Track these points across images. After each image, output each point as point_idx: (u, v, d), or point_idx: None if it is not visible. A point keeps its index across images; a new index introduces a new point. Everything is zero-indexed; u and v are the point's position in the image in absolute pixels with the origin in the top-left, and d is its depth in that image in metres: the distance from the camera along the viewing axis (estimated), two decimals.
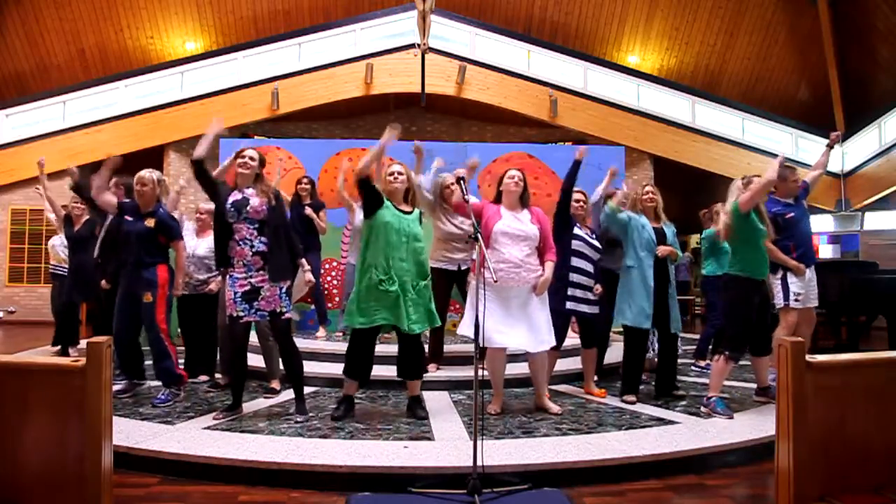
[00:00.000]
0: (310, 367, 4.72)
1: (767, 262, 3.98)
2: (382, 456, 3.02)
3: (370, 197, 3.67)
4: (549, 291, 3.94)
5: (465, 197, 3.41)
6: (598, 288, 4.37)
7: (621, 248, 4.33)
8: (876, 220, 10.97)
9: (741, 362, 5.12)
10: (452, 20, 10.72)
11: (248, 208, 3.61)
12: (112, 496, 2.19)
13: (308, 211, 5.59)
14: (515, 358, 4.06)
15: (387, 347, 4.30)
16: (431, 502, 2.68)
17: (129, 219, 4.16)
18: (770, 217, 4.11)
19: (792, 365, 2.18)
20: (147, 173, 4.25)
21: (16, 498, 2.10)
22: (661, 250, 4.18)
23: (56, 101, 10.29)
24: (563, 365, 4.85)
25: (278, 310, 3.67)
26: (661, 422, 3.70)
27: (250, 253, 3.62)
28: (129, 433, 3.34)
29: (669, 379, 4.38)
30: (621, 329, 4.35)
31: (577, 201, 4.43)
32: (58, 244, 6.54)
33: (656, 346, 4.67)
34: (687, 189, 11.90)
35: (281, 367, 4.10)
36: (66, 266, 6.22)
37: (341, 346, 3.86)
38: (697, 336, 6.41)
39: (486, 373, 3.74)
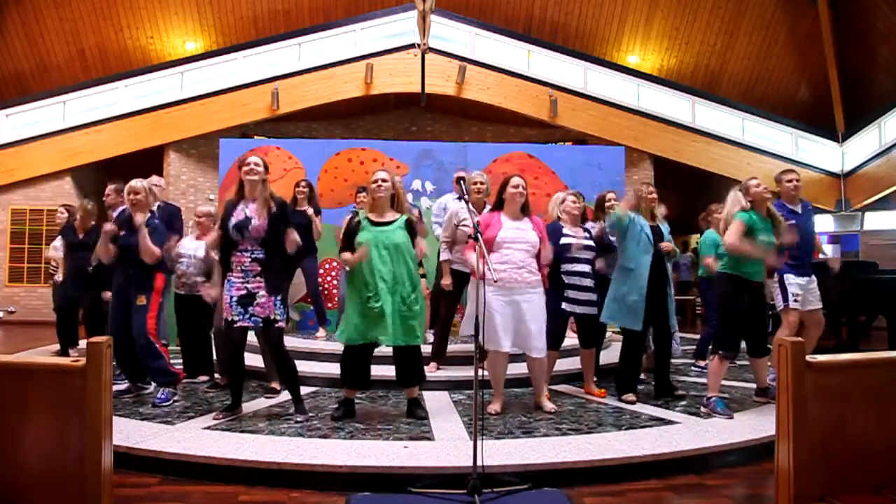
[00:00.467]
0: (310, 367, 4.73)
1: (762, 266, 3.98)
2: (382, 456, 3.02)
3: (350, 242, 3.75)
4: (547, 294, 3.96)
5: (465, 197, 3.43)
6: (599, 263, 4.44)
7: (614, 252, 4.34)
8: (876, 220, 10.98)
9: (741, 362, 5.14)
10: (452, 20, 10.72)
11: (249, 229, 3.59)
12: (112, 496, 2.19)
13: (310, 211, 5.56)
14: (515, 358, 4.06)
15: (386, 347, 4.29)
16: (431, 502, 2.68)
17: (124, 233, 4.16)
18: None
19: (792, 365, 2.18)
20: (138, 183, 4.20)
21: (16, 498, 2.10)
22: (665, 246, 4.21)
23: (56, 101, 10.30)
24: (564, 365, 4.85)
25: (272, 317, 3.65)
26: (661, 422, 3.70)
27: (248, 259, 3.62)
28: (129, 433, 3.34)
29: (666, 378, 4.38)
30: (620, 329, 4.36)
31: (574, 202, 4.42)
32: (59, 246, 6.53)
33: (652, 345, 4.68)
34: (687, 189, 11.91)
35: None
36: (55, 268, 6.25)
37: (341, 347, 3.86)
38: (698, 336, 6.41)
39: (486, 373, 3.75)
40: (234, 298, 3.62)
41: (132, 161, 9.82)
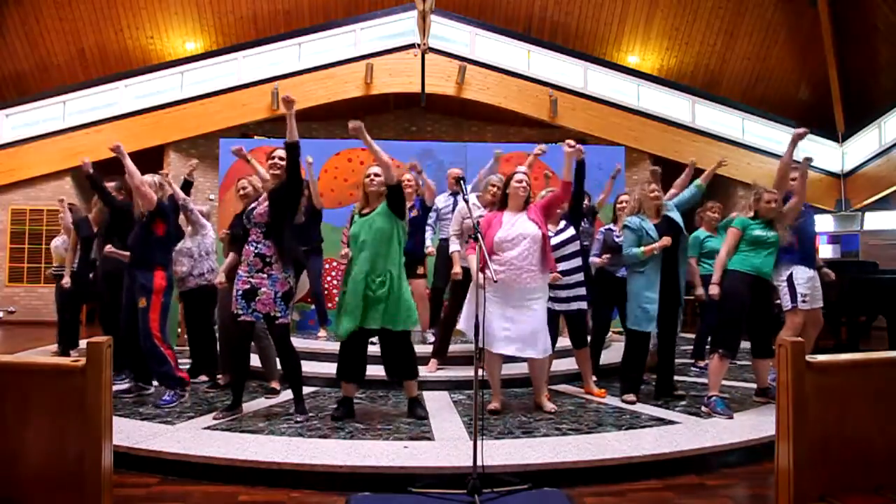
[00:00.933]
0: (310, 367, 4.73)
1: (770, 261, 3.98)
2: (382, 456, 3.03)
3: None
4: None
5: (465, 197, 3.43)
6: (605, 258, 4.47)
7: (620, 252, 4.33)
8: (876, 220, 10.97)
9: (741, 362, 5.14)
10: (452, 20, 10.71)
11: (253, 213, 3.70)
12: (112, 496, 2.19)
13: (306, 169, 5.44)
14: (515, 358, 4.06)
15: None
16: (431, 502, 2.68)
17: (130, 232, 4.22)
18: None
19: (792, 365, 2.18)
20: (149, 177, 4.28)
21: (16, 498, 2.10)
22: (648, 249, 4.10)
23: (56, 101, 10.28)
24: (564, 365, 4.85)
25: (273, 314, 3.67)
26: (661, 422, 3.71)
27: (253, 253, 3.68)
28: (129, 433, 3.34)
29: (668, 378, 4.38)
30: (621, 329, 4.36)
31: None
32: (59, 245, 6.53)
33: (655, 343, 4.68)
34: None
35: (279, 366, 4.10)
36: (60, 269, 6.23)
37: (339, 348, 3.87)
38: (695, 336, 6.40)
39: (486, 373, 3.75)
40: (240, 292, 3.68)
41: (132, 161, 9.79)
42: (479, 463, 2.69)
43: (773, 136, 11.32)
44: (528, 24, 12.11)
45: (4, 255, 10.36)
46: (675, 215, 4.31)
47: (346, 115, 11.62)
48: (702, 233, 5.47)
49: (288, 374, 3.85)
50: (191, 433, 3.40)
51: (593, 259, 4.65)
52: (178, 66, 10.50)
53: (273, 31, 11.35)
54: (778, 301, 4.55)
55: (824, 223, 11.34)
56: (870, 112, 11.01)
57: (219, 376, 4.76)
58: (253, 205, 3.81)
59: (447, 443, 3.26)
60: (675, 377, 4.57)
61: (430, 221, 5.43)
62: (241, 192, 4.48)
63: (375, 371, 3.97)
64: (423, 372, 4.35)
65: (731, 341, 3.89)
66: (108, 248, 4.54)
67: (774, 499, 2.26)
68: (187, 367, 4.68)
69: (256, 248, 3.68)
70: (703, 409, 3.90)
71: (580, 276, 4.31)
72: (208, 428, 3.50)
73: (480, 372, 2.86)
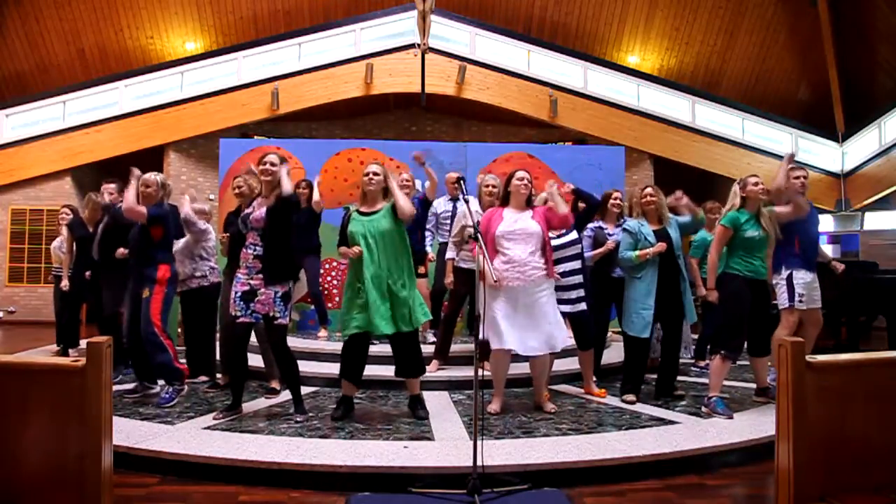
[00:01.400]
0: (310, 367, 4.74)
1: (764, 264, 3.99)
2: (382, 456, 3.03)
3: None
4: None
5: (465, 197, 3.43)
6: (611, 244, 4.47)
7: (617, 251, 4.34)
8: (876, 220, 10.97)
9: (741, 362, 5.13)
10: (452, 20, 10.72)
11: (250, 218, 3.70)
12: (112, 496, 2.18)
13: (316, 191, 5.42)
14: (515, 358, 4.06)
15: (385, 347, 4.30)
16: (431, 502, 2.68)
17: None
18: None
19: (792, 365, 2.18)
20: (152, 176, 4.27)
21: (16, 498, 2.10)
22: (642, 254, 4.10)
23: (56, 101, 10.29)
24: (564, 365, 4.85)
25: (272, 314, 3.67)
26: (661, 422, 3.70)
27: (252, 256, 3.68)
28: (129, 433, 3.34)
29: (670, 378, 4.38)
30: (620, 330, 4.36)
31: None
32: (58, 246, 6.53)
33: (657, 347, 4.68)
34: (687, 189, 11.84)
35: None
36: (59, 270, 6.24)
37: (341, 347, 3.86)
38: (697, 336, 6.41)
39: (486, 373, 3.75)
40: (238, 294, 3.68)
41: (132, 161, 9.77)
42: (479, 463, 2.69)
43: (773, 136, 11.33)
44: (528, 24, 12.11)
45: (4, 255, 10.36)
46: (674, 232, 4.27)
47: (346, 115, 11.78)
48: (706, 234, 5.45)
49: (286, 376, 3.85)
50: (191, 433, 3.40)
51: (588, 254, 4.61)
52: (178, 66, 10.51)
53: (273, 31, 11.36)
54: (775, 301, 4.56)
55: (824, 223, 11.34)
56: (870, 112, 11.00)
57: (218, 376, 4.76)
58: (249, 210, 3.77)
59: (447, 443, 3.26)
60: (676, 377, 4.57)
61: (429, 226, 5.42)
62: (237, 190, 4.47)
63: (376, 371, 3.97)
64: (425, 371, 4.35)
65: (734, 343, 3.90)
66: (121, 251, 4.60)
67: (774, 499, 2.26)
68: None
69: (255, 250, 3.68)
70: (704, 409, 3.90)
71: (581, 278, 4.32)
72: (208, 428, 3.50)
73: (481, 372, 2.86)
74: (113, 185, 5.09)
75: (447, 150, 7.13)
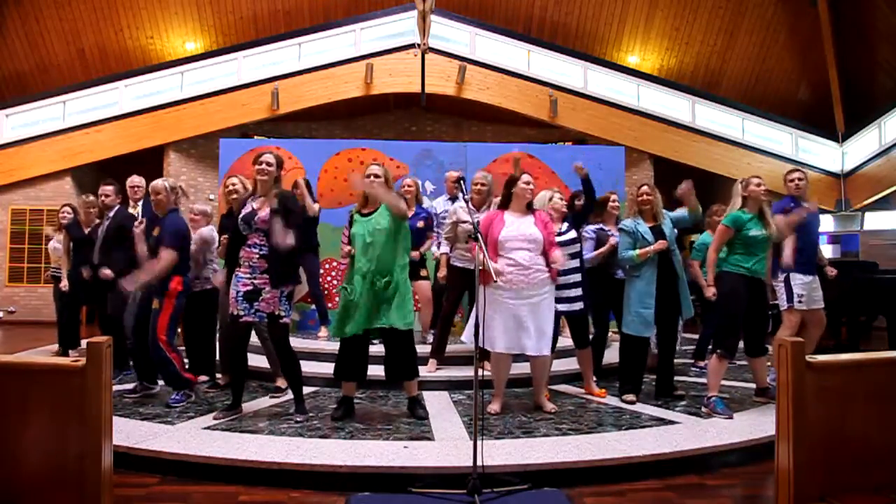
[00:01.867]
0: (310, 367, 4.73)
1: (763, 263, 3.99)
2: (382, 456, 3.03)
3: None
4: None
5: (465, 197, 3.43)
6: (613, 241, 4.45)
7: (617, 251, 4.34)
8: (876, 220, 10.97)
9: (741, 362, 5.13)
10: (452, 20, 10.72)
11: (256, 219, 3.64)
12: (112, 496, 2.19)
13: (301, 188, 5.39)
14: (515, 358, 4.06)
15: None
16: (431, 502, 2.68)
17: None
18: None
19: (792, 365, 2.18)
20: (160, 182, 4.22)
21: (16, 498, 2.10)
22: (647, 251, 4.11)
23: (56, 101, 10.29)
24: (564, 365, 4.86)
25: (277, 312, 3.67)
26: (661, 422, 3.70)
27: (256, 256, 3.65)
28: (129, 433, 3.34)
29: (668, 378, 4.38)
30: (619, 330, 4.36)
31: (561, 199, 4.40)
32: (57, 246, 6.52)
33: (654, 345, 4.67)
34: None
35: None
36: (58, 270, 6.25)
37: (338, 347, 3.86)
38: (697, 336, 6.41)
39: (486, 373, 3.75)
40: (241, 293, 3.65)
41: (132, 161, 9.81)
42: (479, 463, 2.69)
43: (773, 136, 11.33)
44: (528, 24, 12.11)
45: (4, 255, 10.36)
46: (668, 228, 4.27)
47: (346, 115, 11.78)
48: (708, 237, 5.45)
49: (289, 374, 3.85)
50: (191, 433, 3.40)
51: (591, 255, 4.60)
52: (178, 66, 10.51)
53: (273, 31, 11.36)
54: (775, 301, 4.56)
55: (824, 223, 11.34)
56: (870, 112, 11.00)
57: (218, 376, 4.76)
58: (247, 210, 3.69)
59: (447, 443, 3.26)
60: (676, 377, 4.58)
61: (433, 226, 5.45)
62: (230, 187, 4.45)
63: (375, 371, 3.96)
64: (423, 372, 4.35)
65: (731, 342, 3.90)
66: (105, 272, 4.59)
67: (774, 499, 2.26)
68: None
69: (260, 250, 3.64)
70: (703, 409, 3.90)
71: (579, 277, 4.32)
72: (208, 428, 3.50)
73: (481, 372, 2.86)
74: (111, 188, 5.07)
75: (447, 150, 7.13)
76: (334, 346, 5.14)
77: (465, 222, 4.60)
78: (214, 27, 11.84)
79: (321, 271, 6.37)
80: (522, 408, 4.05)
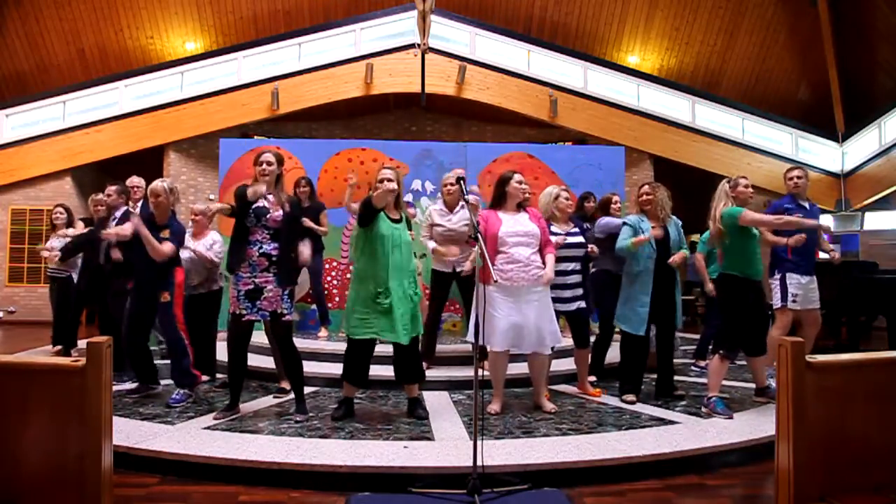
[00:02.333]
0: (310, 367, 4.72)
1: (761, 263, 3.99)
2: (382, 456, 3.03)
3: (371, 215, 3.72)
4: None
5: (465, 197, 3.42)
6: (592, 248, 4.47)
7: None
8: (876, 220, 10.97)
9: (741, 362, 5.14)
10: (452, 20, 10.71)
11: (267, 217, 3.66)
12: (112, 496, 2.19)
13: (306, 222, 5.40)
14: (515, 358, 4.06)
15: (387, 347, 4.30)
16: (431, 502, 2.68)
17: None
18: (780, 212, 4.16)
19: (792, 365, 2.18)
20: (159, 183, 4.22)
21: (16, 498, 2.10)
22: (674, 259, 4.11)
23: (56, 101, 10.28)
24: (564, 365, 4.86)
25: (279, 311, 3.68)
26: (661, 422, 3.71)
27: (257, 254, 3.65)
28: (129, 433, 3.34)
29: (668, 378, 4.38)
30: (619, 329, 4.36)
31: (566, 199, 4.40)
32: (57, 246, 6.52)
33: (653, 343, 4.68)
34: (687, 189, 11.88)
35: None
36: (61, 269, 6.25)
37: (342, 346, 3.87)
38: (698, 336, 6.41)
39: (486, 373, 3.75)
40: (242, 292, 3.66)
41: (132, 161, 9.81)
42: (479, 463, 2.69)
43: (773, 136, 11.32)
44: (528, 24, 12.11)
45: (4, 255, 10.36)
46: (674, 231, 4.25)
47: (346, 115, 11.77)
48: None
49: (291, 372, 3.85)
50: (191, 433, 3.40)
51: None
52: (178, 66, 10.50)
53: (273, 31, 11.35)
54: (770, 301, 4.57)
55: (824, 223, 11.34)
56: (870, 112, 11.00)
57: (219, 376, 4.76)
58: (261, 204, 3.66)
59: (447, 443, 3.26)
60: (676, 377, 4.58)
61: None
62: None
63: (376, 371, 3.97)
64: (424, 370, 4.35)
65: (734, 343, 3.90)
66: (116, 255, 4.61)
67: (774, 499, 2.26)
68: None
69: (262, 248, 3.65)
70: (703, 409, 3.90)
71: (579, 278, 4.33)
72: (208, 428, 3.50)
73: (481, 372, 2.86)
74: (114, 188, 5.07)
75: (447, 150, 7.13)
76: (334, 346, 5.15)
77: (438, 225, 4.71)
78: (214, 27, 11.83)
79: (322, 270, 6.37)
80: (522, 408, 4.05)
